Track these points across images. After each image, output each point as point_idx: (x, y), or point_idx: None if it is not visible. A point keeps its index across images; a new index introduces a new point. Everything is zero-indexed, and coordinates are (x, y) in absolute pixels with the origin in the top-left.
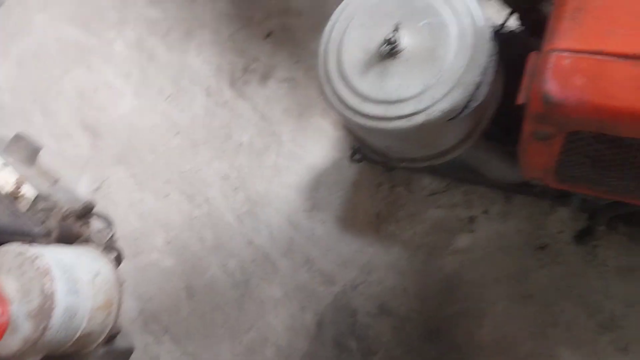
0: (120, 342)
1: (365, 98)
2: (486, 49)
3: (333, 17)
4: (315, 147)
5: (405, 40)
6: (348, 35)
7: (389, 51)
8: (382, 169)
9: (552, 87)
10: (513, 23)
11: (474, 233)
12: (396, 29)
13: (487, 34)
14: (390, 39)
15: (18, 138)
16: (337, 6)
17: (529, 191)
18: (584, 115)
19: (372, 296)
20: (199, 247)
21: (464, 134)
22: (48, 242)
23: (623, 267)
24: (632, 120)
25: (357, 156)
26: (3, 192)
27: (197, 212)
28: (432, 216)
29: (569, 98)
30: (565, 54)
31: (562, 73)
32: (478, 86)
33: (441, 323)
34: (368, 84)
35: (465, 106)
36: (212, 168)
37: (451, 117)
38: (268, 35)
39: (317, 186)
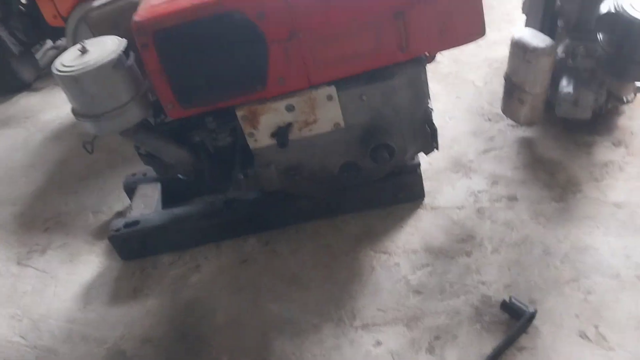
0: None
1: (79, 64)
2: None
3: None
4: (86, 272)
5: (89, 48)
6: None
7: (82, 51)
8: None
9: (137, 18)
10: None
11: (200, 273)
12: (83, 47)
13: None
14: (83, 48)
15: None
16: None
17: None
18: (152, 21)
19: (137, 337)
20: None
21: (132, 91)
22: None
23: (293, 249)
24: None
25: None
26: None
27: None
28: (172, 274)
29: (143, 19)
30: (140, 12)
31: (140, 15)
32: (123, 55)
33: (188, 330)
34: (78, 61)
35: (121, 63)
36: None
37: (115, 65)
38: (46, 229)
39: (88, 291)
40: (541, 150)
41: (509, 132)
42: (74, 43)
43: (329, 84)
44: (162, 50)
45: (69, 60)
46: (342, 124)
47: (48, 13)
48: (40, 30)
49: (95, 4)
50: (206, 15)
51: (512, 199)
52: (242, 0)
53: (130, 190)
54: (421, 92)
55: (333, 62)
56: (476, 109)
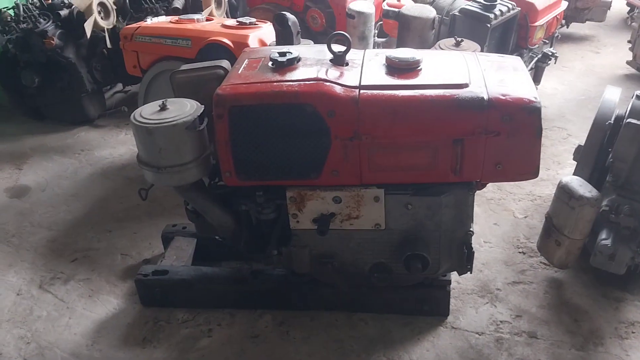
0: None
1: (156, 119)
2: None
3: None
4: (102, 310)
5: (169, 106)
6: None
7: (162, 107)
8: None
9: (219, 91)
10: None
11: (211, 337)
12: (164, 104)
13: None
14: (163, 105)
15: None
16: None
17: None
18: (231, 97)
19: None
20: None
21: (197, 152)
22: None
23: (305, 337)
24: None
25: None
26: None
27: None
28: (183, 333)
29: (225, 93)
30: (224, 86)
31: (223, 89)
32: (198, 119)
33: None
34: (156, 116)
35: (194, 126)
36: (10, 334)
37: (188, 126)
38: (73, 260)
39: (99, 330)
40: (569, 295)
41: (540, 270)
42: (145, 93)
43: (378, 186)
44: (234, 124)
45: (148, 113)
46: (383, 225)
47: (129, 63)
48: (116, 75)
49: (183, 67)
50: (281, 102)
51: (533, 336)
52: (317, 97)
53: (167, 240)
54: (465, 215)
55: (387, 168)
56: (512, 240)
